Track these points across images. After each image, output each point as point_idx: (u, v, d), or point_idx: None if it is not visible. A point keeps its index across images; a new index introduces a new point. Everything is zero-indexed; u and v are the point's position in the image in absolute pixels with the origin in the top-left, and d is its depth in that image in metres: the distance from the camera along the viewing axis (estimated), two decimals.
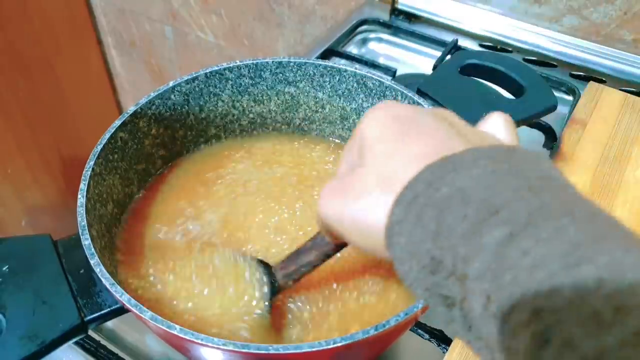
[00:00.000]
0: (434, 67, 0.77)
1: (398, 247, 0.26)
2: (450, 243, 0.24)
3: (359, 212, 0.29)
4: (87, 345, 0.52)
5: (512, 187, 0.23)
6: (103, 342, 0.52)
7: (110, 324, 0.54)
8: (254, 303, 0.43)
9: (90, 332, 0.53)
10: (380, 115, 0.31)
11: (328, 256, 0.40)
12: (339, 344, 0.34)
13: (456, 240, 0.23)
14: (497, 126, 0.32)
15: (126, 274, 0.48)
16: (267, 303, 0.43)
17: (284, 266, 0.43)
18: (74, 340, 0.41)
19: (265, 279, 0.44)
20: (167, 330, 0.35)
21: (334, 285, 0.47)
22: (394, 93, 0.53)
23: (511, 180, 0.24)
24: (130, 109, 0.50)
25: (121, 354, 0.51)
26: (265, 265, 0.45)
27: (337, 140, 0.60)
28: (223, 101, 0.57)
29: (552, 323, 0.20)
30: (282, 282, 0.43)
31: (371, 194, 0.28)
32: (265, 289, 0.44)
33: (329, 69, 0.55)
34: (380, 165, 0.29)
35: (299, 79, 0.56)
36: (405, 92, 0.52)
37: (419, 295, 0.26)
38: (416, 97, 0.52)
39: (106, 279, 0.38)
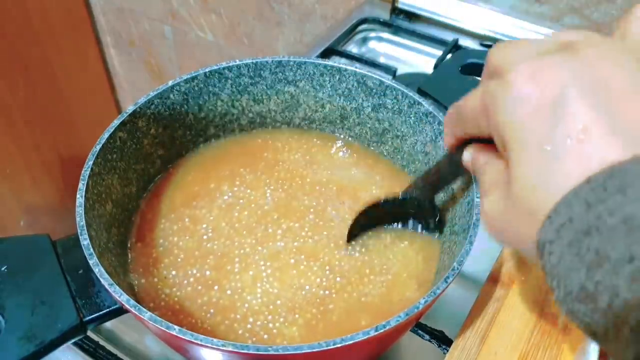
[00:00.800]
0: (435, 67, 0.76)
1: (547, 264, 0.24)
2: (611, 282, 0.21)
3: (511, 220, 0.27)
4: (86, 346, 0.52)
5: None
6: (102, 342, 0.52)
7: (109, 324, 0.54)
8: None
9: (89, 333, 0.53)
10: (527, 97, 0.26)
11: (455, 177, 0.43)
12: (339, 345, 0.34)
13: (620, 282, 0.21)
14: None
15: (125, 274, 0.48)
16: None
17: (420, 182, 0.46)
18: (73, 340, 0.41)
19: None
20: (166, 330, 0.35)
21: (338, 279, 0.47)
22: (394, 92, 0.53)
23: None
24: (129, 108, 0.50)
25: (120, 355, 0.51)
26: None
27: (339, 143, 0.60)
28: (222, 100, 0.56)
29: None
30: (423, 195, 0.46)
31: (526, 203, 0.26)
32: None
33: (329, 68, 0.55)
34: (537, 170, 0.25)
35: (298, 78, 0.56)
36: (406, 91, 0.52)
37: (562, 312, 0.25)
38: (417, 97, 0.52)
39: (105, 279, 0.38)
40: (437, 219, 0.49)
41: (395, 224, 0.51)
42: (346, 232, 0.50)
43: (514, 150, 0.26)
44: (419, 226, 0.50)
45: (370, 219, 0.50)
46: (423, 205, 0.48)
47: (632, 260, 0.20)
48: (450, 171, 0.41)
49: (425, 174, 0.45)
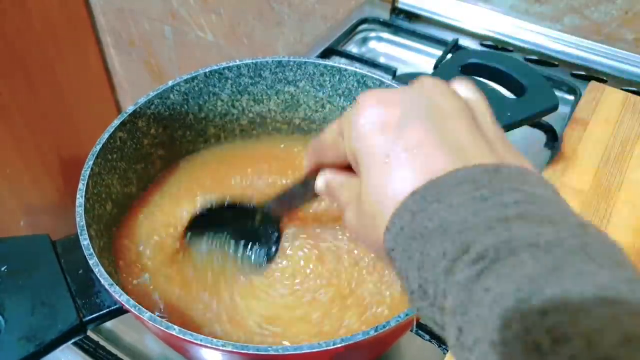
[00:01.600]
0: (435, 67, 0.76)
1: (395, 268, 0.28)
2: (433, 277, 0.25)
3: (365, 229, 0.30)
4: (86, 346, 0.52)
5: (486, 219, 0.24)
6: (102, 342, 0.52)
7: (109, 324, 0.54)
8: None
9: (89, 333, 0.53)
10: (373, 118, 0.30)
11: (310, 200, 0.43)
12: (339, 345, 0.34)
13: (437, 275, 0.25)
14: (466, 92, 0.32)
15: (125, 274, 0.48)
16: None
17: (276, 205, 0.46)
18: (73, 340, 0.41)
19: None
20: (166, 330, 0.35)
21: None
22: None
23: (487, 210, 0.25)
24: (129, 108, 0.50)
25: (120, 355, 0.51)
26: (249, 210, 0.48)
27: None
28: (222, 100, 0.56)
29: (504, 355, 0.21)
30: (273, 213, 0.47)
31: (372, 214, 0.29)
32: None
33: (329, 68, 0.55)
34: (380, 181, 0.29)
35: (298, 78, 0.56)
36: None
37: (416, 312, 0.28)
38: None
39: (105, 279, 0.38)
40: (275, 248, 0.49)
41: (236, 240, 0.49)
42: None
43: (363, 166, 0.30)
44: (256, 250, 0.49)
45: (216, 220, 0.49)
46: (269, 222, 0.48)
47: (445, 255, 0.24)
48: (302, 194, 0.42)
49: (279, 196, 0.46)
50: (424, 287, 0.25)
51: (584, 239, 0.23)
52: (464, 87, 0.32)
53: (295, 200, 0.44)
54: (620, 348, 0.19)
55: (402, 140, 0.28)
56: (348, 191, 0.34)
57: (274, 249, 0.48)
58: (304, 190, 0.42)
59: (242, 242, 0.49)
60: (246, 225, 0.48)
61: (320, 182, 0.37)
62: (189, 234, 0.49)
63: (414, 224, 0.26)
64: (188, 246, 0.49)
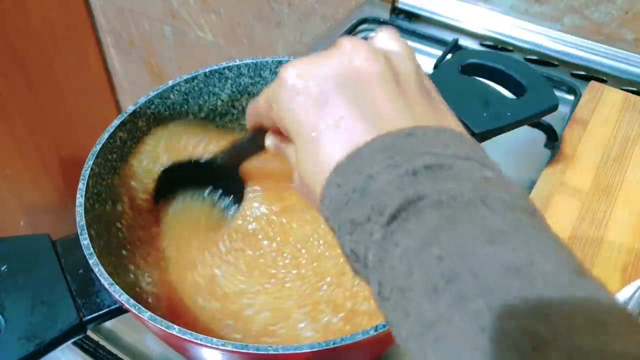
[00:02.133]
0: (435, 67, 0.76)
1: (335, 236, 0.29)
2: (361, 239, 0.27)
3: (308, 195, 0.32)
4: (86, 346, 0.52)
5: (398, 182, 0.26)
6: (102, 342, 0.52)
7: (109, 324, 0.54)
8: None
9: (89, 333, 0.53)
10: (294, 94, 0.31)
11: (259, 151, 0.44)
12: (339, 345, 0.34)
13: (365, 236, 0.27)
14: (388, 42, 0.32)
15: (126, 274, 0.48)
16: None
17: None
18: (73, 340, 0.41)
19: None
20: (166, 330, 0.35)
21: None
22: None
23: (399, 177, 0.26)
24: (129, 108, 0.50)
25: (120, 355, 0.51)
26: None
27: None
28: (222, 101, 0.56)
29: (410, 299, 0.24)
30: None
31: (308, 184, 0.31)
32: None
33: None
34: (309, 155, 0.30)
35: None
36: None
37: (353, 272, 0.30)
38: None
39: (105, 279, 0.38)
40: (241, 192, 0.51)
41: (204, 188, 0.52)
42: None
43: (294, 139, 0.31)
44: (225, 196, 0.52)
45: (177, 180, 0.51)
46: (229, 173, 0.49)
47: (369, 219, 0.26)
48: (252, 148, 0.44)
49: (231, 147, 0.47)
50: (355, 250, 0.27)
51: (484, 191, 0.25)
52: (386, 40, 0.32)
53: (244, 153, 0.46)
54: (501, 280, 0.22)
55: (324, 116, 0.29)
56: (293, 154, 0.35)
57: (239, 193, 0.51)
58: (251, 145, 0.43)
59: (209, 190, 0.52)
60: (207, 179, 0.51)
61: (268, 142, 0.39)
62: (157, 199, 0.51)
63: (339, 195, 0.28)
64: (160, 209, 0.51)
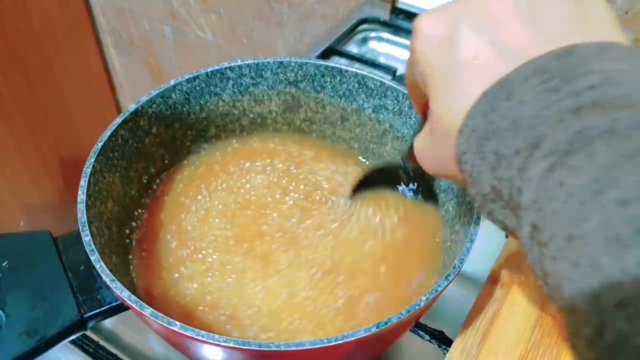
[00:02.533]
0: None
1: (465, 174, 0.28)
2: (508, 175, 0.25)
3: (436, 149, 0.31)
4: (86, 346, 0.52)
5: (558, 109, 0.24)
6: (102, 342, 0.52)
7: (109, 324, 0.54)
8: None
9: (89, 333, 0.53)
10: (429, 40, 0.30)
11: None
12: (340, 342, 0.34)
13: (512, 172, 0.24)
14: None
15: (127, 272, 0.48)
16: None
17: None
18: (74, 336, 0.41)
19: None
20: (167, 326, 0.35)
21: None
22: (395, 93, 0.53)
23: (558, 102, 0.24)
24: (131, 107, 0.50)
25: (120, 355, 0.51)
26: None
27: (339, 144, 0.60)
28: (224, 101, 0.57)
29: (582, 250, 0.21)
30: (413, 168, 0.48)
31: (444, 129, 0.29)
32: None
33: (330, 69, 0.55)
34: (449, 93, 0.29)
35: (299, 79, 0.56)
36: (406, 92, 0.52)
37: (484, 217, 0.29)
38: None
39: (106, 276, 0.38)
40: (421, 185, 0.51)
41: (393, 186, 0.52)
42: (345, 236, 0.50)
43: (429, 86, 0.31)
44: (409, 191, 0.52)
45: (372, 181, 0.52)
46: (407, 171, 0.50)
47: (518, 152, 0.24)
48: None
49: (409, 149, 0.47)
50: (498, 188, 0.25)
51: None
52: None
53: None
54: None
55: (459, 54, 0.28)
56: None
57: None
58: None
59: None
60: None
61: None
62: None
63: (486, 123, 0.26)
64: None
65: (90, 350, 0.52)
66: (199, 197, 0.54)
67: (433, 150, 0.32)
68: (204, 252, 0.50)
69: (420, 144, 0.34)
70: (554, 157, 0.23)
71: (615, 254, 0.19)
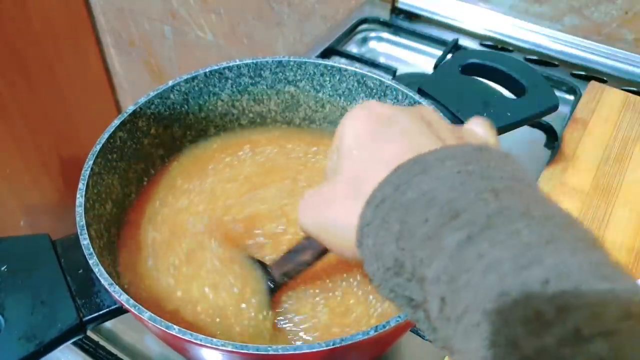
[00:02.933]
0: (435, 67, 0.76)
1: (367, 249, 0.27)
2: (411, 245, 0.24)
3: (333, 218, 0.31)
4: (86, 346, 0.52)
5: (475, 189, 0.24)
6: (102, 342, 0.52)
7: (109, 324, 0.54)
8: (254, 301, 0.44)
9: (89, 333, 0.53)
10: (357, 116, 0.33)
11: (323, 254, 0.41)
12: (338, 345, 0.34)
13: (416, 243, 0.24)
14: (476, 128, 0.33)
15: (126, 273, 0.47)
16: (267, 300, 0.44)
17: (280, 265, 0.44)
18: (73, 340, 0.41)
19: (263, 277, 0.45)
20: (166, 330, 0.35)
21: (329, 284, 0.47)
22: (394, 92, 0.53)
23: (475, 182, 0.24)
24: (130, 108, 0.50)
25: (120, 355, 0.51)
26: (262, 265, 0.46)
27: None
28: (222, 100, 0.56)
29: (499, 324, 0.20)
30: (278, 279, 0.44)
31: (344, 201, 0.30)
32: (265, 287, 0.44)
33: (329, 68, 0.55)
34: (354, 171, 0.30)
35: (299, 78, 0.56)
36: (406, 91, 0.52)
37: (385, 295, 0.27)
38: (417, 97, 0.52)
39: (105, 279, 0.38)
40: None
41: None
42: None
43: (343, 149, 0.32)
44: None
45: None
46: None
47: (427, 221, 0.24)
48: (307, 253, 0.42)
49: (282, 258, 0.44)
50: (401, 260, 0.25)
51: (569, 219, 0.23)
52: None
53: (297, 256, 0.43)
54: (622, 322, 0.19)
55: (391, 125, 0.31)
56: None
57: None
58: (306, 243, 0.41)
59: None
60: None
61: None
62: None
63: (396, 194, 0.26)
64: None
65: (90, 350, 0.52)
66: (195, 195, 0.54)
67: (324, 214, 0.32)
68: (204, 251, 0.49)
69: (305, 203, 0.34)
70: (472, 229, 0.22)
71: (536, 333, 0.19)
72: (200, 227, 0.50)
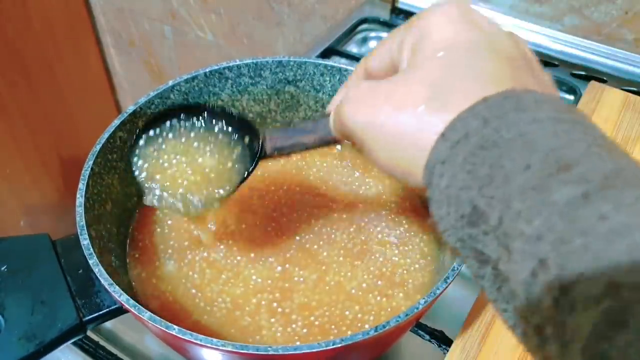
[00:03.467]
0: None
1: (436, 189, 0.23)
2: (504, 194, 0.21)
3: (397, 127, 0.25)
4: (86, 346, 0.52)
5: (584, 140, 0.21)
6: (102, 342, 0.52)
7: (109, 324, 0.54)
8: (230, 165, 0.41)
9: (89, 333, 0.53)
10: (451, 16, 0.27)
11: (328, 144, 0.38)
12: (338, 345, 0.34)
13: (513, 192, 0.20)
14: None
15: (125, 273, 0.48)
16: (248, 168, 0.40)
17: (276, 138, 0.40)
18: (73, 340, 0.41)
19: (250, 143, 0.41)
20: (166, 330, 0.35)
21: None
22: None
23: (579, 133, 0.21)
24: (130, 108, 0.50)
25: (120, 355, 0.51)
26: (251, 130, 0.41)
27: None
28: (223, 100, 0.56)
29: (633, 302, 0.17)
30: (269, 152, 0.40)
31: (417, 110, 0.25)
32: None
33: (329, 68, 0.55)
34: (437, 75, 0.25)
35: (299, 78, 0.56)
36: None
37: (451, 243, 0.24)
38: None
39: (104, 279, 0.38)
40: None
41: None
42: (341, 234, 0.50)
43: (419, 54, 0.26)
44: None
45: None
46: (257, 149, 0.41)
47: (529, 168, 0.20)
48: (312, 134, 0.38)
49: (285, 129, 0.41)
50: (482, 209, 0.21)
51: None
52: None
53: (298, 136, 0.39)
54: None
55: (492, 40, 0.25)
56: (372, 98, 0.28)
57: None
58: (312, 125, 0.38)
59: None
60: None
61: (338, 97, 0.34)
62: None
63: (486, 130, 0.22)
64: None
65: (90, 350, 0.52)
66: None
67: (386, 117, 0.26)
68: (204, 251, 0.49)
69: (361, 94, 0.28)
70: (588, 185, 0.19)
71: None
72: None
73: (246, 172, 0.40)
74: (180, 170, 0.41)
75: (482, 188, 0.21)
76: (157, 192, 0.41)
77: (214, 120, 0.42)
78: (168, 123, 0.42)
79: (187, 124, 0.42)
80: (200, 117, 0.42)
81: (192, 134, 0.42)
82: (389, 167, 0.27)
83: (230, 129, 0.42)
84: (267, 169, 0.57)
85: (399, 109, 0.25)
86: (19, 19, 1.24)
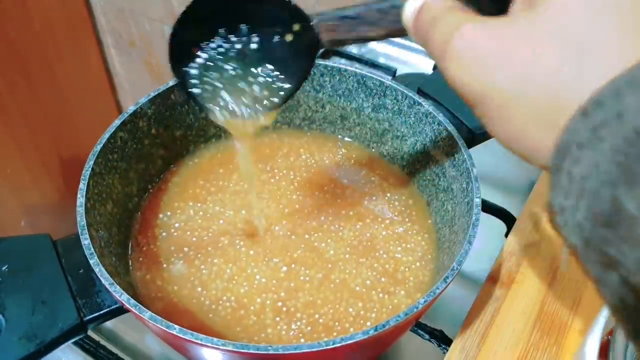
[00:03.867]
0: (435, 67, 0.76)
1: (567, 176, 0.19)
2: None
3: (519, 96, 0.20)
4: (87, 346, 0.52)
5: None
6: (103, 342, 0.52)
7: (109, 324, 0.54)
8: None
9: (90, 332, 0.53)
10: None
11: (396, 35, 0.33)
12: (339, 344, 0.34)
13: None
14: None
15: (126, 273, 0.48)
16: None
17: (333, 27, 0.35)
18: (73, 340, 0.41)
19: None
20: (166, 330, 0.35)
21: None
22: (394, 93, 0.53)
23: None
24: (130, 108, 0.50)
25: (121, 354, 0.51)
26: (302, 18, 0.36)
27: (339, 143, 0.60)
28: None
29: None
30: (324, 44, 0.35)
31: (547, 74, 0.19)
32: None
33: (329, 68, 0.55)
34: (576, 25, 0.19)
35: None
36: (405, 91, 0.52)
37: (569, 239, 0.19)
38: (417, 97, 0.52)
39: (105, 279, 0.38)
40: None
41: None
42: (343, 231, 0.51)
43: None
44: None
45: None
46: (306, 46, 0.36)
47: None
48: (374, 20, 0.33)
49: (342, 13, 0.34)
50: (632, 214, 0.16)
51: None
52: None
53: (361, 26, 0.33)
54: None
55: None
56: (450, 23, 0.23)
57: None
58: (379, 15, 0.32)
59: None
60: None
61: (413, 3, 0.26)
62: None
63: None
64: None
65: (91, 349, 0.52)
66: (199, 196, 0.54)
67: (509, 72, 0.21)
68: (204, 251, 0.50)
69: (479, 35, 0.22)
70: None
71: None
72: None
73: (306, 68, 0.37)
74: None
75: (632, 185, 0.16)
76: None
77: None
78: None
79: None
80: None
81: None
82: (506, 139, 0.23)
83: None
84: (275, 165, 0.57)
85: (525, 70, 0.20)
86: (19, 19, 1.24)
